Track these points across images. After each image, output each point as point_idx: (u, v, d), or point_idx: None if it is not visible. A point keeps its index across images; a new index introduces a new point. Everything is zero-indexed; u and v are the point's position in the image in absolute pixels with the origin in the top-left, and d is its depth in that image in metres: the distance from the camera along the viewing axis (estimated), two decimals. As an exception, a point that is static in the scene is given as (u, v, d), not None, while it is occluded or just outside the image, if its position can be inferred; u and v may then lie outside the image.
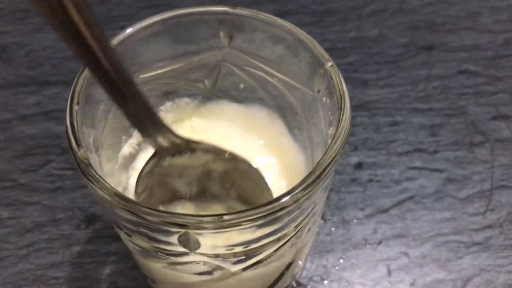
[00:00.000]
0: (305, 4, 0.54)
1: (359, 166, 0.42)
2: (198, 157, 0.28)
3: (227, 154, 0.29)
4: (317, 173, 0.23)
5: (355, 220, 0.39)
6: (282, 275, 0.30)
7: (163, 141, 0.27)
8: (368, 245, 0.38)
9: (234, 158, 0.29)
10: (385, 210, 0.40)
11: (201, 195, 0.29)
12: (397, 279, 0.37)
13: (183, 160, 0.28)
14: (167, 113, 0.34)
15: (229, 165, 0.29)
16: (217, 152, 0.29)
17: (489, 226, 0.39)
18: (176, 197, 0.29)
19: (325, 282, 0.36)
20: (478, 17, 0.53)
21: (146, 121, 0.25)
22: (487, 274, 0.37)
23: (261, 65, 0.31)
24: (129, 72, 0.23)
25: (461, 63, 0.49)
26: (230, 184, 0.30)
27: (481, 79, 0.48)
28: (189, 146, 0.28)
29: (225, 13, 0.29)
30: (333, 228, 0.39)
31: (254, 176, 0.29)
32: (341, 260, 0.37)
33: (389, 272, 0.37)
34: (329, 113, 0.27)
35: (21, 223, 0.39)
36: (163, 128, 0.26)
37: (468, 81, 0.48)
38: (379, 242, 0.38)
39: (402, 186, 0.41)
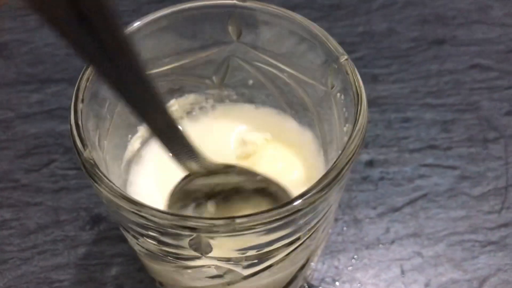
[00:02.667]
0: (312, -2, 0.53)
1: (370, 164, 0.41)
2: (231, 177, 0.28)
3: (259, 177, 0.28)
4: (334, 173, 0.22)
5: (367, 219, 0.38)
6: (294, 278, 0.29)
7: (197, 168, 0.26)
8: (380, 245, 0.37)
9: (265, 180, 0.28)
10: (398, 209, 0.39)
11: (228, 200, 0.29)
12: (410, 279, 0.36)
13: (216, 179, 0.28)
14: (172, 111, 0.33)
15: (260, 185, 0.28)
16: (250, 175, 0.28)
17: (505, 225, 0.38)
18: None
19: (337, 283, 0.35)
20: (489, 11, 0.52)
21: (180, 150, 0.24)
22: (504, 274, 0.36)
23: (271, 60, 0.30)
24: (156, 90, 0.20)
25: (472, 58, 0.48)
26: (258, 198, 0.29)
27: (493, 74, 0.47)
28: (223, 170, 0.27)
29: (234, 6, 0.28)
30: (344, 228, 0.38)
31: (282, 195, 0.28)
32: (353, 261, 0.36)
33: (403, 272, 0.36)
34: (344, 109, 0.26)
35: (24, 225, 0.38)
36: (197, 156, 0.25)
37: (481, 76, 0.47)
38: (392, 242, 0.37)
39: (415, 184, 0.40)
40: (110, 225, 0.38)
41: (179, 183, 0.27)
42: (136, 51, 0.18)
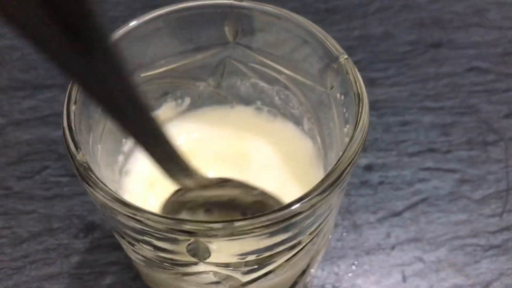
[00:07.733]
0: (308, 2, 0.52)
1: (369, 168, 0.40)
2: (226, 191, 0.27)
3: (255, 192, 0.27)
4: (335, 175, 0.21)
5: (367, 224, 0.37)
6: (294, 284, 0.29)
7: (191, 184, 0.25)
8: (381, 250, 0.36)
9: (263, 194, 0.27)
10: (398, 213, 0.38)
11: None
12: (412, 285, 0.35)
13: (210, 193, 0.26)
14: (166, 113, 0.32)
15: (256, 199, 0.27)
16: (246, 188, 0.27)
17: (507, 228, 0.37)
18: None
19: (337, 290, 0.35)
20: (485, 14, 0.52)
21: (173, 166, 0.22)
22: (507, 278, 0.35)
23: (269, 62, 0.29)
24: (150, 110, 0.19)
25: (470, 60, 0.48)
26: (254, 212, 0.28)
27: (491, 76, 0.47)
28: (218, 184, 0.26)
29: (230, 6, 0.28)
30: (344, 233, 0.37)
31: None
32: (353, 267, 0.36)
33: (404, 278, 0.35)
34: (344, 110, 0.25)
35: (16, 233, 0.37)
36: (190, 172, 0.24)
37: (479, 79, 0.46)
38: (393, 247, 0.36)
39: (415, 188, 0.39)
40: (104, 233, 0.37)
41: (172, 195, 0.26)
42: (123, 62, 0.15)
